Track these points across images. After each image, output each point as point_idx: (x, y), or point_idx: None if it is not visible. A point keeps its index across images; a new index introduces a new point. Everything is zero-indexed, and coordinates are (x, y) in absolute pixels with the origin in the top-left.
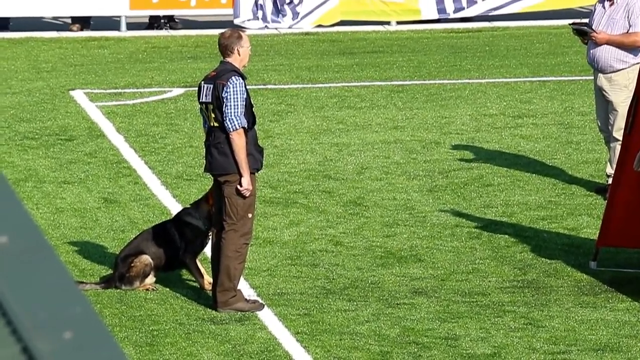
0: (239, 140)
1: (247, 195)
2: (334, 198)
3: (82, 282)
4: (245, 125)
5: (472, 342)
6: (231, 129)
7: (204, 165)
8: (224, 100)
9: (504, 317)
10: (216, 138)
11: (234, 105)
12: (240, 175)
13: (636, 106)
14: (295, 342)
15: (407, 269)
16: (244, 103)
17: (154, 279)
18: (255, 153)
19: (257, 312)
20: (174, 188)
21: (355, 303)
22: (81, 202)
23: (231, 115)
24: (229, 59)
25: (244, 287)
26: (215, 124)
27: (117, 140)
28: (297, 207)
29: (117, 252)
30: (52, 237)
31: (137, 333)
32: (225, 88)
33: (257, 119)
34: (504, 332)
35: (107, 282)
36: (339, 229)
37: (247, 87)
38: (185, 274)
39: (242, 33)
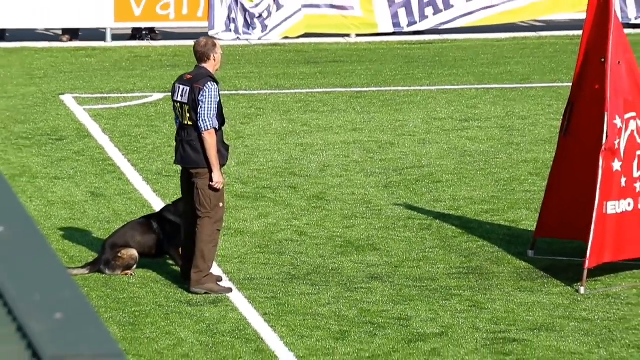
0: (210, 139)
1: (219, 187)
2: (298, 193)
3: (70, 268)
4: (217, 126)
5: (422, 322)
6: (204, 129)
7: (174, 158)
8: (200, 102)
9: (451, 300)
10: (188, 135)
11: (208, 107)
12: (211, 171)
13: (571, 111)
14: (263, 322)
15: (364, 257)
16: (217, 106)
17: (135, 265)
18: (223, 150)
19: (229, 295)
20: (154, 183)
21: (317, 287)
22: (70, 195)
23: (205, 117)
24: (204, 64)
25: (218, 273)
26: (189, 123)
27: (103, 140)
28: (265, 200)
29: (103, 240)
30: (44, 227)
31: (121, 314)
32: (201, 92)
33: (229, 122)
34: (451, 313)
35: (92, 265)
36: (303, 221)
37: (220, 91)
38: (164, 262)
39: (216, 41)
